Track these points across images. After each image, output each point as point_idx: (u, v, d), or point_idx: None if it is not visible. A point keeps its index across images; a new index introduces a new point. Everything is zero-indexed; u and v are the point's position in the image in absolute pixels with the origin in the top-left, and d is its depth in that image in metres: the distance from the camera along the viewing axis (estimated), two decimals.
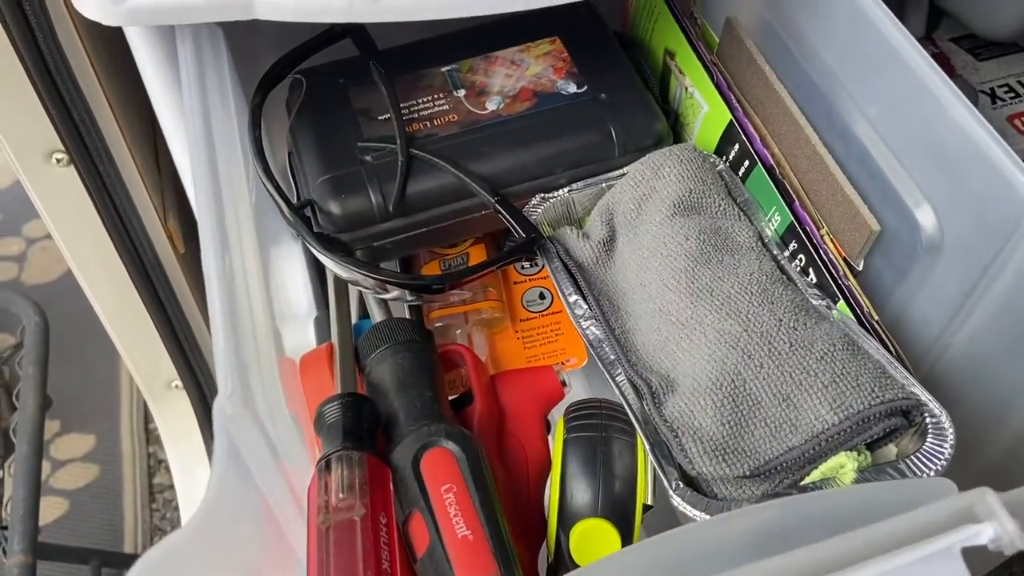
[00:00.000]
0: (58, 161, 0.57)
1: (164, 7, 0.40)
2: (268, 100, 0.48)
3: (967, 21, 0.63)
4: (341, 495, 0.29)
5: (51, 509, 0.81)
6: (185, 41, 0.45)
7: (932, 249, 0.38)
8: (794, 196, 0.42)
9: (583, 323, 0.40)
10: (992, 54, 0.73)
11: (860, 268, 0.41)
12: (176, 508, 0.81)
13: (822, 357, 0.36)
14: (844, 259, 0.41)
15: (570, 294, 0.40)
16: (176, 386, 0.67)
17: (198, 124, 0.42)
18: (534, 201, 0.45)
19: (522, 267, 0.48)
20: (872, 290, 0.41)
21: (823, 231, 0.42)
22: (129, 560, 0.75)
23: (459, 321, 0.44)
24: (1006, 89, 0.71)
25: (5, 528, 0.60)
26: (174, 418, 0.69)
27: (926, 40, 0.73)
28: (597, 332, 0.39)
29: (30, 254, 1.02)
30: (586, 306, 0.40)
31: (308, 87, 0.47)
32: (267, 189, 0.42)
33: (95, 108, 0.57)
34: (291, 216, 0.41)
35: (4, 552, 0.59)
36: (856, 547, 0.23)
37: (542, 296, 0.47)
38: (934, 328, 0.40)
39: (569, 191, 0.45)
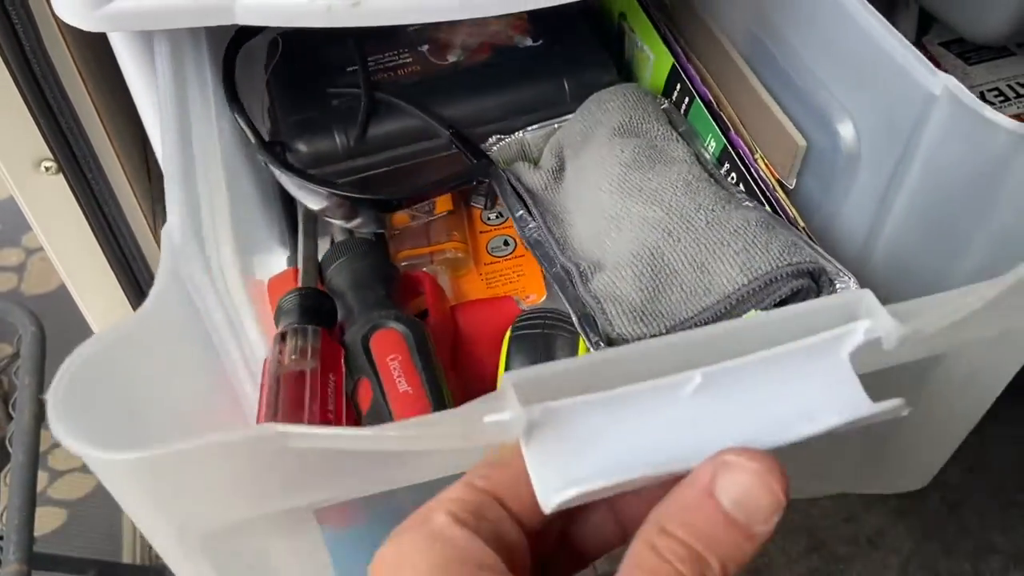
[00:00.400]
0: (47, 169, 0.60)
1: (145, 12, 0.41)
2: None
3: (955, 25, 0.63)
4: (293, 356, 0.30)
5: (50, 519, 0.80)
6: (163, 41, 0.46)
7: (852, 159, 0.40)
8: (730, 126, 0.45)
9: (527, 231, 0.42)
10: (982, 58, 0.74)
11: (792, 186, 0.43)
12: None
13: (736, 231, 0.37)
14: (776, 179, 0.43)
15: (517, 211, 0.43)
16: None
17: (173, 128, 0.42)
18: (491, 140, 0.48)
19: (488, 218, 0.50)
20: (803, 206, 0.44)
21: (757, 155, 0.44)
22: (128, 571, 0.74)
23: (424, 261, 0.45)
24: (996, 93, 0.72)
25: (0, 538, 0.59)
26: None
27: (916, 44, 0.75)
28: (538, 236, 0.42)
29: (29, 264, 1.04)
30: (531, 219, 0.42)
31: (284, 46, 0.50)
32: (240, 124, 0.44)
33: (82, 115, 0.59)
34: (261, 149, 0.43)
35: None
36: (740, 339, 0.24)
37: (506, 243, 0.49)
38: (859, 236, 0.42)
39: (523, 132, 0.47)
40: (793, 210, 0.42)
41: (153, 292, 0.27)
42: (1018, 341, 0.40)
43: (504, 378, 0.22)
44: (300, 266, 0.39)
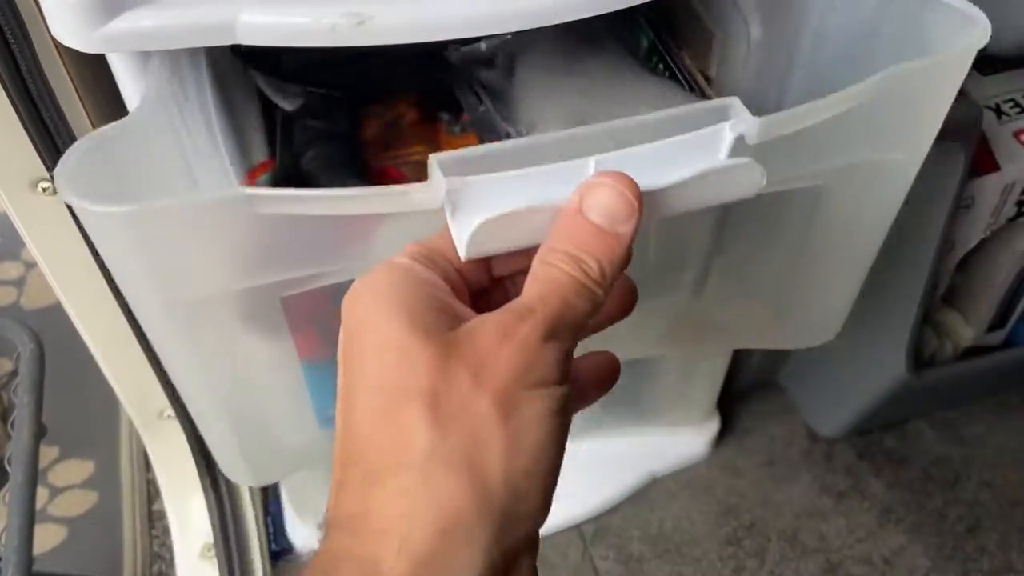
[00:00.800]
0: (44, 190, 0.58)
1: (144, 32, 0.40)
2: None
3: None
4: None
5: (50, 536, 0.79)
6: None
7: (759, 46, 0.49)
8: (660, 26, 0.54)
9: (476, 113, 0.47)
10: (996, 69, 0.73)
11: (713, 74, 0.52)
12: None
13: (654, 95, 0.46)
14: (701, 71, 0.51)
15: (470, 98, 0.48)
16: (168, 415, 0.66)
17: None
18: (451, 48, 0.51)
19: (453, 131, 0.51)
20: (720, 92, 0.52)
21: (682, 52, 0.53)
22: None
23: (393, 163, 0.47)
24: (1012, 104, 0.71)
25: None
26: (166, 447, 0.68)
27: None
28: (484, 115, 0.47)
29: (29, 278, 1.02)
30: (481, 104, 0.47)
31: None
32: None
33: (80, 134, 0.58)
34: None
35: None
36: (633, 134, 0.30)
37: None
38: (769, 109, 0.45)
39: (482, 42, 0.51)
40: (712, 93, 0.51)
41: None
42: (888, 180, 0.49)
43: (431, 157, 0.28)
44: (277, 156, 0.39)
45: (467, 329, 0.25)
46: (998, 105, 0.71)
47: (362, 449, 0.24)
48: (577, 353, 0.29)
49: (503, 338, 0.25)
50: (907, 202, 0.66)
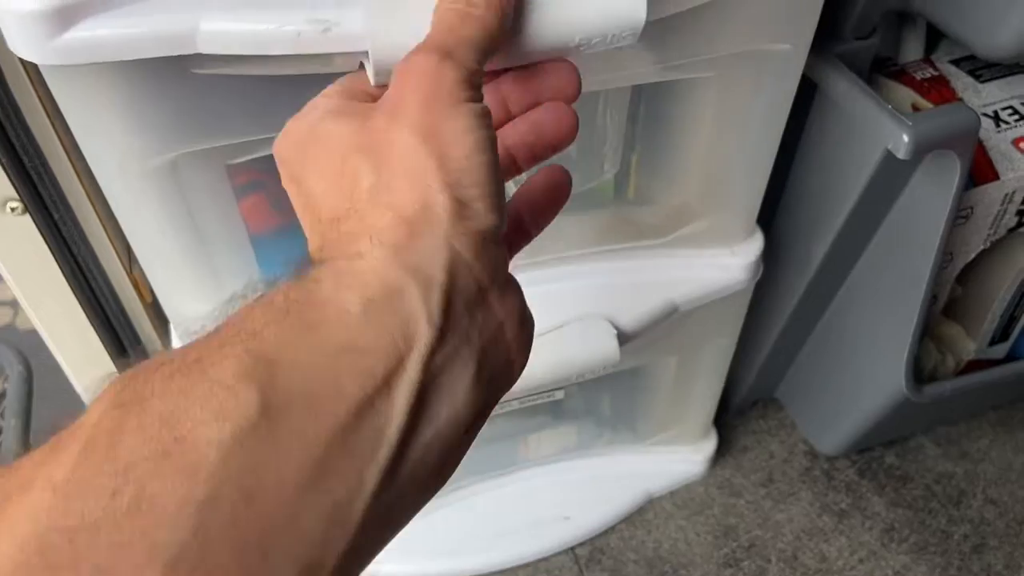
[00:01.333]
0: (12, 210, 0.57)
1: (101, 43, 0.39)
2: None
3: (966, 41, 0.60)
4: None
5: None
6: None
7: None
8: None
9: None
10: (994, 75, 0.72)
11: None
12: None
13: None
14: None
15: None
16: None
17: None
18: None
19: None
20: None
21: None
22: None
23: None
24: (1010, 111, 0.69)
25: None
26: None
27: (925, 62, 0.73)
28: None
29: None
30: None
31: None
32: None
33: (49, 154, 0.56)
34: None
35: None
36: None
37: None
38: None
39: None
40: None
41: None
42: (777, 69, 0.53)
43: None
44: None
45: (383, 95, 0.28)
46: (996, 112, 0.70)
47: (325, 218, 0.26)
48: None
49: (405, 76, 0.27)
50: (903, 212, 0.64)
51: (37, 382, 0.65)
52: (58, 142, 0.56)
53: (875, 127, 0.56)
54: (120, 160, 0.46)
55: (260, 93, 0.44)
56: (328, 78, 0.41)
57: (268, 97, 0.44)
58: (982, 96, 0.71)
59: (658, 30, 0.45)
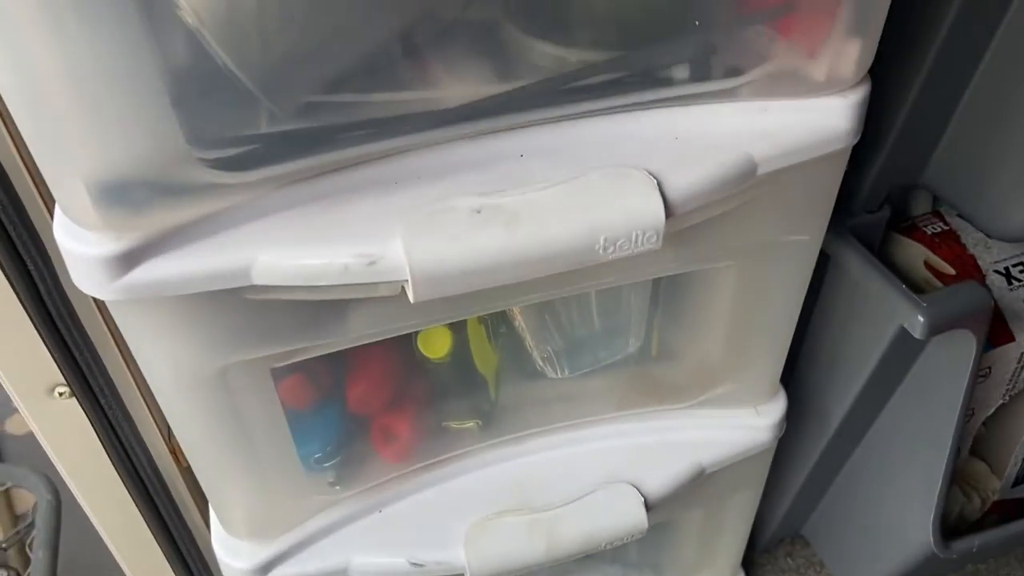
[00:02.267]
0: (60, 395, 0.59)
1: (162, 281, 0.41)
2: None
3: (974, 222, 0.64)
4: None
5: None
6: None
7: None
8: None
9: None
10: None
11: None
12: None
13: None
14: None
15: None
16: None
17: None
18: None
19: None
20: None
21: None
22: None
23: None
24: (1021, 268, 0.70)
25: None
26: None
27: (935, 215, 0.75)
28: None
29: None
30: None
31: None
32: None
33: (98, 344, 0.59)
34: None
35: None
36: None
37: None
38: None
39: None
40: None
41: None
42: (793, 256, 0.56)
43: None
44: None
45: None
46: (1007, 269, 0.71)
47: None
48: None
49: None
50: (921, 378, 0.66)
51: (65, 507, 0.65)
52: (106, 329, 0.59)
53: (890, 305, 0.58)
54: (172, 370, 0.48)
55: (308, 309, 0.46)
56: (373, 305, 0.44)
57: (316, 312, 0.47)
58: (992, 252, 0.73)
59: (678, 234, 0.48)
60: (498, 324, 0.63)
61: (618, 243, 0.44)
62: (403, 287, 0.43)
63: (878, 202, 0.63)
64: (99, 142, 0.38)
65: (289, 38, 0.43)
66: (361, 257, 0.42)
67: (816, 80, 0.47)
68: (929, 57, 0.55)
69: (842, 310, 0.65)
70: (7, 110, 0.44)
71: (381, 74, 0.47)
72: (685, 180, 0.45)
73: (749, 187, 0.48)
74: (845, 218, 0.63)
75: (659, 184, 0.45)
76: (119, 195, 0.39)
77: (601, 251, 0.44)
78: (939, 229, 0.75)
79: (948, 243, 0.73)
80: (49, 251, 0.52)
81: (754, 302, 0.59)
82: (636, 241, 0.45)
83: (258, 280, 0.42)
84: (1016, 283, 0.70)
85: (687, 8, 0.45)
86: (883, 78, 0.49)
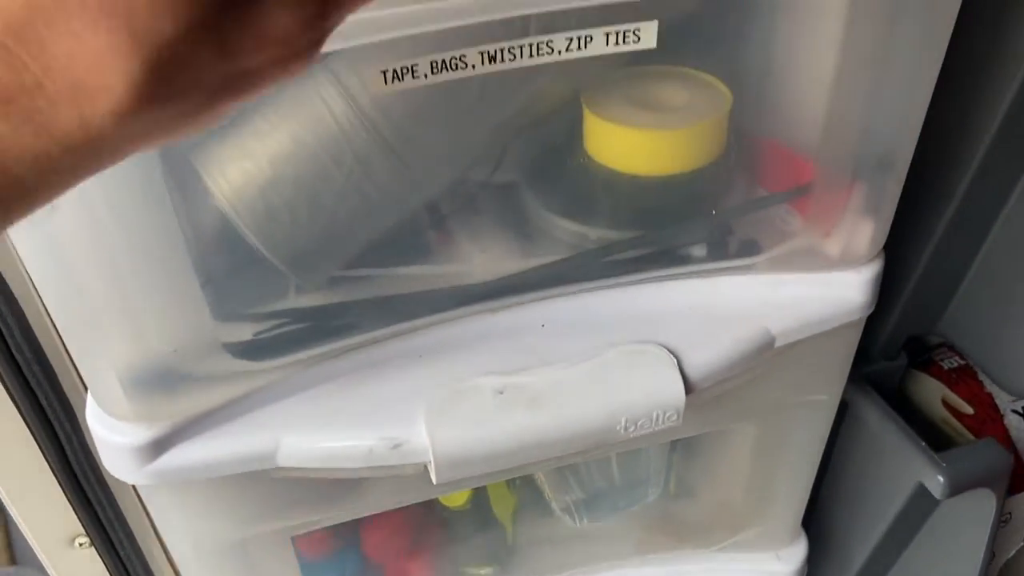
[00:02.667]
0: (80, 545, 0.59)
1: (191, 466, 0.42)
2: None
3: (989, 373, 0.64)
4: None
5: None
6: None
7: None
8: None
9: None
10: None
11: None
12: None
13: None
14: None
15: None
16: None
17: None
18: None
19: None
20: None
21: None
22: None
23: None
24: None
25: None
26: None
27: (951, 350, 0.73)
28: None
29: None
30: None
31: None
32: None
33: (120, 498, 0.59)
34: None
35: None
36: None
37: None
38: None
39: None
40: None
41: None
42: (813, 414, 0.57)
43: None
44: None
45: None
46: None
47: None
48: None
49: None
50: (941, 527, 0.65)
51: None
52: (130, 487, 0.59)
53: (909, 461, 0.58)
54: (194, 540, 0.48)
55: (332, 483, 0.46)
56: (395, 479, 0.44)
57: (340, 486, 0.47)
58: (1011, 388, 0.73)
59: (696, 404, 0.48)
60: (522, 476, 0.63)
61: (639, 423, 0.45)
62: (426, 466, 0.44)
63: (895, 351, 0.64)
64: (131, 328, 0.39)
65: (319, 221, 0.44)
66: (385, 440, 0.43)
67: (831, 256, 0.48)
68: (944, 218, 0.56)
69: (861, 458, 0.65)
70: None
71: (407, 247, 0.49)
72: (704, 357, 0.46)
73: (766, 358, 0.49)
74: (862, 365, 0.64)
75: (678, 362, 0.45)
76: (150, 386, 0.40)
77: (622, 431, 0.45)
78: (956, 364, 0.75)
79: (965, 380, 0.73)
80: (74, 407, 0.53)
81: (772, 455, 0.59)
82: (656, 420, 0.45)
83: (283, 462, 0.43)
84: None
85: (703, 197, 0.47)
86: (900, 236, 0.50)
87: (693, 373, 0.46)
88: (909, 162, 0.46)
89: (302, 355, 0.43)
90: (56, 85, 0.17)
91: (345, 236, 0.45)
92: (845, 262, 0.48)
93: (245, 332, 0.44)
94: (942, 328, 0.63)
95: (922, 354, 0.76)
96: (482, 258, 0.49)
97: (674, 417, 0.45)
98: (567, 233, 0.48)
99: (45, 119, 0.17)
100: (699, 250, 0.48)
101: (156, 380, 0.39)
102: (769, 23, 0.43)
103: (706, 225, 0.48)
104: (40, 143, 0.17)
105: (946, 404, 0.71)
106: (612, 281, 0.48)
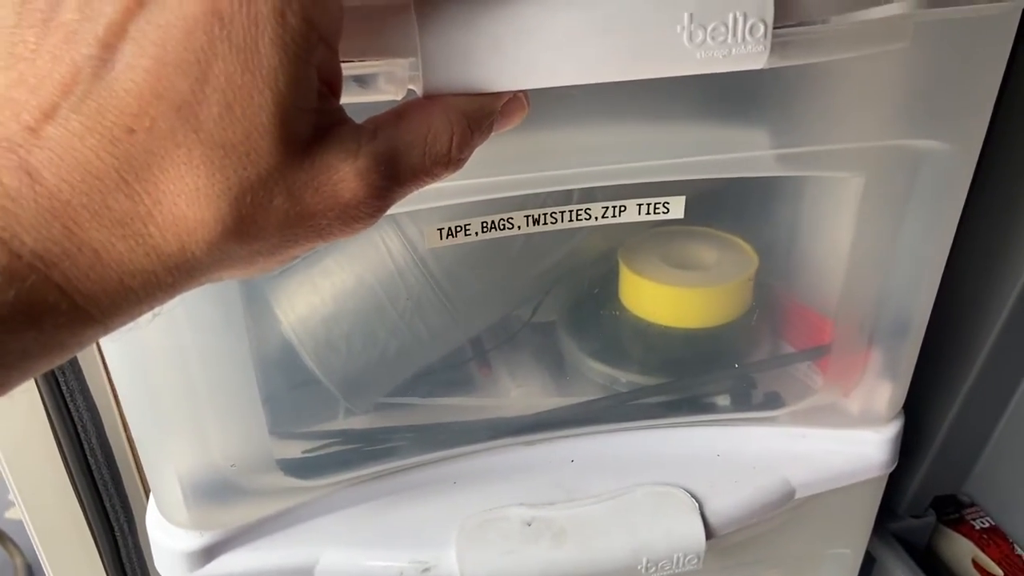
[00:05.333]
0: None
1: (238, 572, 0.45)
2: None
3: (1015, 538, 0.64)
4: None
5: None
6: None
7: None
8: None
9: None
10: None
11: None
12: None
13: None
14: None
15: None
16: None
17: None
18: None
19: None
20: None
21: None
22: None
23: None
24: None
25: None
26: None
27: (981, 508, 0.72)
28: None
29: None
30: None
31: None
32: None
33: None
34: None
35: None
36: None
37: None
38: None
39: None
40: None
41: None
42: None
43: None
44: None
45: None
46: None
47: None
48: None
49: None
50: None
51: None
52: None
53: None
54: None
55: None
56: None
57: None
58: None
59: (717, 550, 0.50)
60: None
61: (660, 564, 0.47)
62: None
63: (922, 509, 0.65)
64: (198, 441, 0.43)
65: (372, 352, 0.49)
66: (416, 564, 0.45)
67: (851, 414, 0.50)
68: (969, 379, 0.58)
69: None
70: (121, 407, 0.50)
71: (450, 379, 0.53)
72: (725, 504, 0.48)
73: (787, 509, 0.50)
74: (889, 521, 0.64)
75: (700, 506, 0.48)
76: (208, 496, 0.44)
77: (643, 571, 0.47)
78: (987, 524, 0.75)
79: (996, 541, 0.73)
80: (133, 510, 0.57)
81: None
82: (677, 563, 0.47)
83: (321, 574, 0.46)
84: None
85: (729, 350, 0.50)
86: (924, 395, 0.52)
87: (714, 519, 0.48)
88: (924, 328, 0.48)
89: (346, 475, 0.47)
90: (163, 216, 0.20)
91: (394, 367, 0.50)
92: (865, 420, 0.51)
93: (296, 450, 0.48)
94: (969, 488, 0.63)
95: (954, 512, 0.76)
96: (518, 392, 0.52)
97: (695, 561, 0.47)
98: (599, 375, 0.52)
99: (155, 243, 0.20)
100: (723, 400, 0.51)
101: (214, 491, 0.43)
102: (792, 199, 0.48)
103: (730, 377, 0.51)
104: (149, 262, 0.20)
105: (976, 564, 0.71)
106: (640, 424, 0.51)
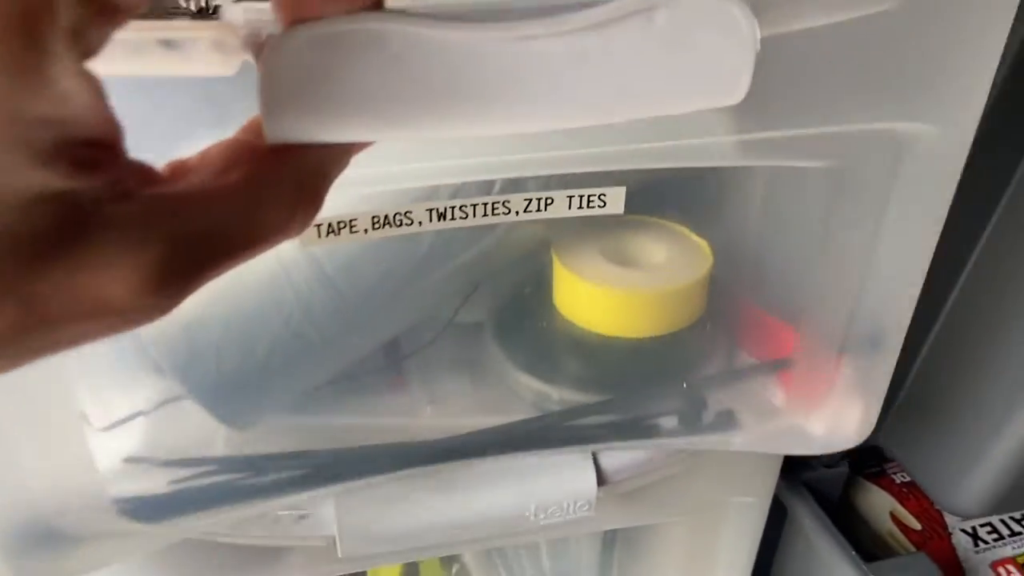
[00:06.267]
0: None
1: None
2: None
3: (927, 490, 0.62)
4: None
5: None
6: None
7: None
8: None
9: None
10: None
11: None
12: None
13: None
14: None
15: None
16: None
17: None
18: None
19: None
20: None
21: None
22: None
23: None
24: (989, 529, 0.67)
25: None
26: None
27: (897, 464, 0.72)
28: None
29: None
30: None
31: None
32: None
33: None
34: None
35: None
36: None
37: None
38: None
39: None
40: None
41: None
42: None
43: None
44: None
45: None
46: (975, 529, 0.68)
47: None
48: None
49: None
50: None
51: None
52: None
53: (839, 569, 0.57)
54: None
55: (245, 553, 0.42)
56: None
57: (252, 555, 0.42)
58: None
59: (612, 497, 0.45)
60: (451, 558, 0.60)
61: (550, 510, 0.42)
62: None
63: (834, 458, 0.63)
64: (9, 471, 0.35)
65: (249, 363, 0.41)
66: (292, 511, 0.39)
67: (815, 437, 0.44)
68: None
69: (799, 567, 0.63)
70: None
71: (356, 392, 0.45)
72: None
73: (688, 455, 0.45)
74: (801, 471, 0.62)
75: (593, 453, 0.43)
76: (30, 547, 0.36)
77: (532, 518, 0.42)
78: (908, 479, 0.71)
79: (916, 495, 0.70)
80: None
81: (705, 557, 0.56)
82: (568, 510, 0.43)
83: None
84: (983, 545, 0.67)
85: (678, 364, 0.43)
86: None
87: (607, 465, 0.43)
88: (902, 338, 0.42)
89: (208, 519, 0.39)
90: None
91: (280, 379, 0.42)
92: (831, 444, 0.44)
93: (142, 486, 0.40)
94: (882, 440, 0.61)
95: (875, 465, 0.73)
96: (432, 410, 0.45)
97: (586, 508, 0.43)
98: (528, 391, 0.45)
99: None
100: (670, 421, 0.44)
101: (37, 540, 0.35)
102: (753, 189, 0.41)
103: (679, 394, 0.44)
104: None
105: (894, 518, 0.69)
106: (574, 449, 0.44)
